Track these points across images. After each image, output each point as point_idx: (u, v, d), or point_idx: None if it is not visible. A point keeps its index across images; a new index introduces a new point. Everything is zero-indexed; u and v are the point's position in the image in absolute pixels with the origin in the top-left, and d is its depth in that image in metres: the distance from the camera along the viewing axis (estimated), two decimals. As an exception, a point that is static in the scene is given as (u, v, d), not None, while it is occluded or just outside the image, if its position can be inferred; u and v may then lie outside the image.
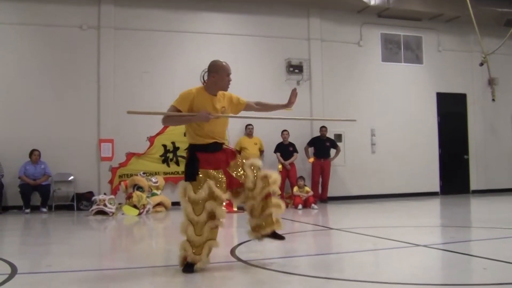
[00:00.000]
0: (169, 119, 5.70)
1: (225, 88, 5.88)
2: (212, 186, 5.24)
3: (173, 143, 13.90)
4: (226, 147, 5.82)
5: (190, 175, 5.38)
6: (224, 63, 5.82)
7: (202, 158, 5.40)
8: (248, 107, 6.23)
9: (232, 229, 9.91)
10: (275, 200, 5.71)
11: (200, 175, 5.33)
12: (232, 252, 6.42)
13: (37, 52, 13.53)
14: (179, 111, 5.58)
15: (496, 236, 7.53)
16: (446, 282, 4.93)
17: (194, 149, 5.50)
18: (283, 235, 5.93)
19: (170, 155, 13.94)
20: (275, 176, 5.77)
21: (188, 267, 5.23)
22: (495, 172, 17.72)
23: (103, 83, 13.75)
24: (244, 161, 5.77)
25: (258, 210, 5.64)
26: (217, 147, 5.61)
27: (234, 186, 5.54)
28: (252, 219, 5.76)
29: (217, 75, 5.75)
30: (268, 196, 5.63)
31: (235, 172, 5.59)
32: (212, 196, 5.23)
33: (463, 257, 5.98)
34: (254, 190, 5.56)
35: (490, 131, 17.83)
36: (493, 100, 16.86)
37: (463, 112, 17.48)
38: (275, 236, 5.86)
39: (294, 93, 6.16)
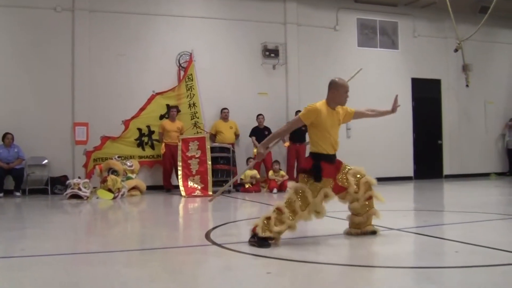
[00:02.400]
0: (273, 136, 6.80)
1: (343, 103, 6.37)
2: (327, 193, 5.92)
3: (148, 126, 13.83)
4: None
5: (317, 177, 5.87)
6: (344, 82, 6.35)
7: (325, 167, 5.93)
8: (357, 114, 6.67)
9: (208, 213, 9.92)
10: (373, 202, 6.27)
11: (321, 182, 5.87)
12: (207, 235, 6.42)
13: (10, 34, 13.32)
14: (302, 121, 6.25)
15: (468, 220, 7.64)
16: (419, 265, 4.99)
17: (319, 158, 5.99)
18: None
19: (145, 139, 13.87)
20: (374, 182, 6.26)
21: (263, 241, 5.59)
22: (468, 157, 17.95)
23: (77, 66, 13.58)
24: (348, 169, 6.25)
25: (362, 210, 6.19)
26: (334, 158, 6.17)
27: (340, 190, 6.14)
28: (355, 217, 6.27)
29: (337, 92, 6.25)
30: (370, 198, 6.20)
31: (340, 180, 6.15)
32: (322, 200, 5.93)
33: (436, 240, 6.05)
34: (358, 193, 6.13)
35: (463, 116, 18.02)
36: (467, 86, 16.97)
37: (437, 97, 17.63)
38: (372, 233, 6.28)
39: (396, 99, 6.69)
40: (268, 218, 5.72)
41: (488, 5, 14.36)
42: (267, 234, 5.61)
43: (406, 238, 6.30)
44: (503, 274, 4.38)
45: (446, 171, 17.76)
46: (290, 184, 6.02)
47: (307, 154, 14.75)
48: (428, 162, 17.35)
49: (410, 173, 17.10)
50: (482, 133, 18.44)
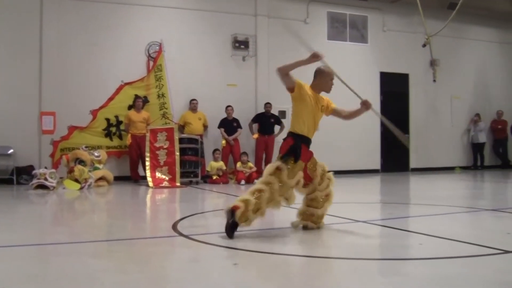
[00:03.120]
0: (287, 66, 6.42)
1: (328, 90, 6.54)
2: (300, 179, 6.01)
3: (116, 117, 13.72)
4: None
5: (297, 157, 6.01)
6: (330, 70, 6.54)
7: (303, 150, 6.11)
8: (335, 111, 6.80)
9: (175, 204, 9.90)
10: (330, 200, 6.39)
11: (297, 164, 5.99)
12: (174, 226, 6.42)
13: (-24, 20, 13.09)
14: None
15: (432, 213, 7.74)
16: (384, 257, 5.06)
17: (300, 140, 6.18)
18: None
19: (113, 129, 13.77)
20: (334, 180, 6.48)
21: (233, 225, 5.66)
22: (434, 151, 18.19)
23: (45, 54, 13.38)
24: (316, 161, 6.39)
25: (319, 203, 6.23)
26: (310, 143, 6.35)
27: (306, 180, 6.16)
28: (307, 208, 6.28)
29: (324, 79, 6.46)
30: (328, 195, 6.33)
31: (310, 169, 6.22)
32: (295, 185, 5.99)
33: (401, 232, 6.14)
34: (320, 185, 6.26)
35: (430, 111, 18.24)
36: (434, 81, 17.25)
37: (405, 92, 17.82)
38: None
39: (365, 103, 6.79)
40: (247, 202, 5.75)
41: (456, 2, 14.56)
42: (243, 223, 5.69)
43: (372, 230, 6.37)
44: (466, 265, 4.46)
45: (413, 164, 17.98)
46: (266, 168, 6.08)
47: (275, 146, 14.85)
48: (395, 156, 17.53)
49: (377, 166, 17.27)
50: (448, 128, 18.70)
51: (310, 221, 6.23)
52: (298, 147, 6.06)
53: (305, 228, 6.22)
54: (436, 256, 4.81)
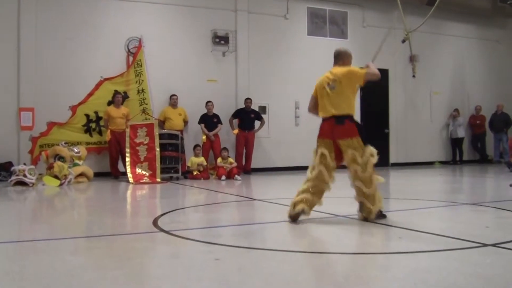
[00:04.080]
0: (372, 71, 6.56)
1: None
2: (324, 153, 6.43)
3: (95, 112, 13.64)
4: None
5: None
6: (349, 50, 6.90)
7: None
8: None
9: (156, 200, 9.87)
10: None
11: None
12: (155, 222, 6.39)
13: (-48, 14, 12.91)
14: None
15: (412, 207, 7.80)
16: (364, 251, 5.08)
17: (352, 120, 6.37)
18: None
19: (93, 125, 13.69)
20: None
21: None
22: (414, 146, 18.31)
23: (24, 49, 13.22)
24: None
25: None
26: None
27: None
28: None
29: (348, 60, 6.74)
30: None
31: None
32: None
33: (380, 227, 6.16)
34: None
35: (410, 106, 18.36)
36: (414, 76, 17.29)
37: (385, 87, 17.89)
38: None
39: None
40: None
41: (435, -3, 14.64)
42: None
43: (351, 224, 6.40)
44: (446, 259, 4.50)
45: (392, 159, 18.08)
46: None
47: (256, 142, 14.86)
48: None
49: (357, 161, 17.32)
50: (427, 123, 18.83)
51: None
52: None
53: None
54: (415, 250, 4.84)
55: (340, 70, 6.49)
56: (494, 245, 4.95)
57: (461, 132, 18.91)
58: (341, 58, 6.67)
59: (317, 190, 6.21)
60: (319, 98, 6.57)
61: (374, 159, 6.28)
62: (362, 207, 6.24)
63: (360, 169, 6.14)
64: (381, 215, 6.33)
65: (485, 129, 19.39)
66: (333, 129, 6.31)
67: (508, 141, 18.81)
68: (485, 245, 4.98)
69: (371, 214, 6.19)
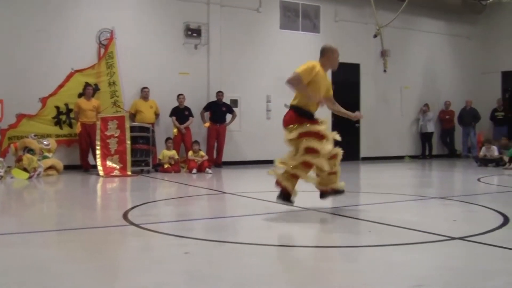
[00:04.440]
0: (299, 85, 6.41)
1: (335, 67, 6.95)
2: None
3: (66, 105, 13.49)
4: None
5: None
6: (336, 47, 6.86)
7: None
8: (329, 99, 7.05)
9: (126, 193, 9.83)
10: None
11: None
12: (125, 215, 6.37)
13: None
14: (301, 78, 6.39)
15: (381, 201, 7.88)
16: (334, 244, 5.12)
17: (302, 113, 6.47)
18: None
19: (63, 117, 13.53)
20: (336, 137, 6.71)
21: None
22: (384, 140, 18.45)
23: (-8, 39, 13.05)
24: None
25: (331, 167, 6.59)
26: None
27: None
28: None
29: (333, 56, 6.74)
30: (334, 156, 6.63)
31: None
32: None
33: (351, 220, 6.22)
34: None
35: (381, 100, 18.48)
36: (385, 71, 17.46)
37: (356, 81, 18.00)
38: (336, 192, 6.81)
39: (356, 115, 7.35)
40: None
41: (406, -7, 14.76)
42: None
43: (323, 218, 6.44)
44: (414, 252, 4.57)
45: (363, 153, 18.21)
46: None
47: (227, 135, 14.85)
48: (345, 145, 17.61)
49: (328, 155, 17.40)
50: (398, 117, 19.00)
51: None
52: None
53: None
54: (385, 243, 4.90)
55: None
56: (461, 238, 5.03)
57: (430, 127, 19.12)
58: (324, 54, 6.81)
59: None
60: (316, 86, 6.52)
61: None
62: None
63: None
64: (287, 200, 6.37)
65: (454, 124, 19.63)
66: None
67: (476, 136, 19.11)
68: (452, 238, 5.06)
69: (277, 176, 6.44)
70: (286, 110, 6.70)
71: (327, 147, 6.18)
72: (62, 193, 9.99)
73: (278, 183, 6.37)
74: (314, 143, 6.13)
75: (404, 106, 19.11)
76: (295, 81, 6.35)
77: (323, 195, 6.80)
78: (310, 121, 6.37)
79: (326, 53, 6.74)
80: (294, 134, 6.29)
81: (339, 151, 6.76)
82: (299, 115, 6.41)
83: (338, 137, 6.56)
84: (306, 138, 6.22)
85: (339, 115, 7.30)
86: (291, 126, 6.40)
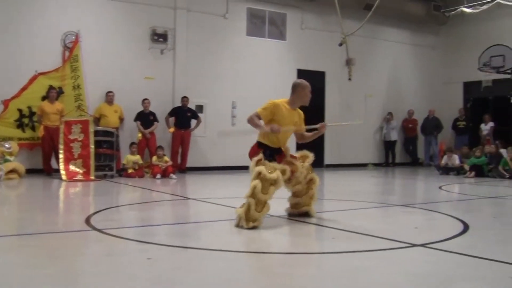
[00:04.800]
0: (252, 122, 6.46)
1: (307, 102, 6.82)
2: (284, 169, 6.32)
3: (29, 107, 13.29)
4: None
5: (269, 156, 6.41)
6: (307, 83, 6.75)
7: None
8: (299, 134, 7.19)
9: (89, 197, 9.73)
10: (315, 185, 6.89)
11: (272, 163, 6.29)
12: (88, 220, 6.31)
13: None
14: (260, 117, 6.46)
15: (345, 208, 7.94)
16: (298, 251, 5.14)
17: (263, 148, 6.49)
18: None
19: (26, 120, 13.33)
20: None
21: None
22: (348, 147, 18.59)
23: (-47, 40, 12.81)
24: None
25: (302, 192, 6.77)
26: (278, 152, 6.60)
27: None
28: (294, 198, 6.85)
29: (303, 92, 6.65)
30: (310, 181, 6.84)
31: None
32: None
33: (315, 227, 6.26)
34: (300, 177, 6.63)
35: (345, 108, 18.62)
36: (349, 79, 17.62)
37: (321, 89, 18.11)
38: (308, 214, 6.83)
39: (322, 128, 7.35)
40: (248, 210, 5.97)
41: (372, 3, 14.94)
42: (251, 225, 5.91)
43: (286, 225, 6.46)
44: (376, 259, 4.61)
45: (327, 160, 18.32)
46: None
47: (192, 140, 14.79)
48: (310, 152, 17.72)
49: (293, 162, 17.45)
50: (361, 125, 19.14)
51: (294, 208, 6.91)
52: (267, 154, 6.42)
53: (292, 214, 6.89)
54: (348, 250, 4.93)
55: (301, 114, 6.91)
56: (422, 245, 5.10)
57: (394, 135, 19.34)
58: (295, 91, 6.71)
59: None
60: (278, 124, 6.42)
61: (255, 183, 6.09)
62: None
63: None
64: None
65: (417, 132, 19.90)
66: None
67: (438, 145, 19.39)
68: (414, 245, 5.12)
69: (238, 219, 6.04)
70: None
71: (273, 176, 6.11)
72: (23, 197, 9.85)
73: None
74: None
75: (368, 114, 19.27)
76: (251, 122, 6.47)
77: (290, 214, 6.91)
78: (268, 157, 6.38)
79: (297, 90, 6.67)
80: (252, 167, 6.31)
81: (316, 178, 6.94)
82: (258, 147, 6.53)
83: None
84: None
85: (312, 138, 7.45)
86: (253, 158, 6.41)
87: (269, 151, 6.42)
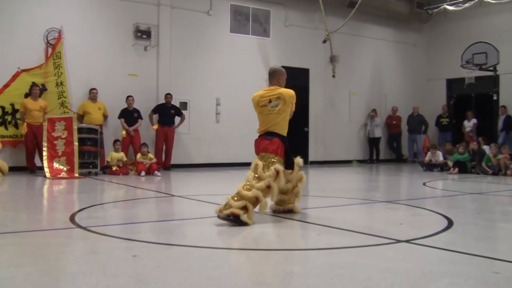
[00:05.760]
0: None
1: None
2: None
3: (12, 105, 13.19)
4: None
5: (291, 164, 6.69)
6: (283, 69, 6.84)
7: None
8: None
9: (73, 195, 9.67)
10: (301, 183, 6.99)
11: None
12: (72, 218, 6.27)
13: None
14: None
15: (329, 205, 7.97)
16: (282, 247, 5.14)
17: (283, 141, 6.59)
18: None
19: (9, 118, 13.24)
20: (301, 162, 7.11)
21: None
22: (332, 144, 18.65)
23: None
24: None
25: (289, 190, 6.79)
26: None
27: None
28: (280, 195, 6.70)
29: (283, 78, 6.75)
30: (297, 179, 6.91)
31: None
32: None
33: (300, 223, 6.27)
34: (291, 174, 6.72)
35: (329, 105, 18.69)
36: (333, 76, 17.68)
37: (305, 86, 18.14)
38: (292, 211, 6.90)
39: None
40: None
41: (356, 0, 15.00)
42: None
43: (271, 221, 6.46)
44: (361, 255, 4.62)
45: (312, 157, 18.35)
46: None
47: (175, 137, 14.74)
48: (294, 149, 17.70)
49: (277, 159, 17.45)
50: (346, 122, 19.23)
51: (279, 205, 6.90)
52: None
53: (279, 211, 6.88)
54: (333, 246, 4.94)
55: (285, 90, 6.62)
56: (407, 241, 5.12)
57: (378, 132, 19.44)
58: (275, 76, 6.69)
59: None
60: (257, 114, 6.66)
61: (274, 183, 6.13)
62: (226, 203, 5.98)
63: (252, 176, 6.16)
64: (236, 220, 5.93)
65: (401, 129, 20.01)
66: (260, 144, 6.52)
67: (422, 141, 19.51)
68: (398, 241, 5.14)
69: (228, 209, 5.87)
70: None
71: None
72: (7, 195, 9.76)
73: None
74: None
75: (352, 111, 19.36)
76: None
77: (275, 211, 6.91)
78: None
79: (279, 75, 6.73)
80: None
81: (303, 176, 7.01)
82: (282, 141, 6.65)
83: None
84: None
85: None
86: (272, 154, 6.48)
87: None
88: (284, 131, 6.63)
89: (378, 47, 20.17)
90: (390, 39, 20.52)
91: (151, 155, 13.56)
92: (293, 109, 6.72)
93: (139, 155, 13.39)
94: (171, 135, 14.75)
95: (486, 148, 14.85)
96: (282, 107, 6.50)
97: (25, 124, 12.85)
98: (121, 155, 13.34)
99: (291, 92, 6.60)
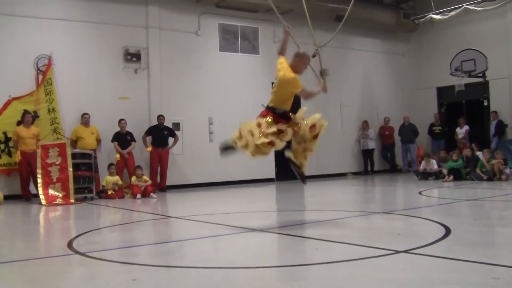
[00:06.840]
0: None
1: (301, 73, 8.02)
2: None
3: (4, 133, 13.15)
4: None
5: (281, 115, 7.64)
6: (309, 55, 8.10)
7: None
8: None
9: (70, 221, 9.64)
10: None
11: None
12: (70, 244, 6.25)
13: None
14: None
15: (327, 218, 7.96)
16: (282, 264, 5.15)
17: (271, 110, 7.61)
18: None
19: (2, 146, 13.20)
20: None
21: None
22: (326, 158, 18.62)
23: None
24: None
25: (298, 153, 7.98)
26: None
27: None
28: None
29: (302, 62, 8.01)
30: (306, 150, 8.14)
31: None
32: None
33: (297, 239, 6.26)
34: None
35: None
36: (325, 91, 17.68)
37: (296, 100, 18.08)
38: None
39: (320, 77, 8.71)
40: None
41: (342, 14, 15.07)
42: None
43: (269, 238, 6.47)
44: (361, 267, 4.63)
45: (306, 172, 18.28)
46: None
47: (170, 159, 14.71)
48: (288, 164, 17.75)
49: (272, 175, 17.50)
50: (338, 135, 19.24)
51: None
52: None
53: None
54: (332, 260, 4.94)
55: (281, 73, 7.85)
56: (406, 251, 5.13)
57: (371, 144, 19.46)
58: (295, 57, 8.01)
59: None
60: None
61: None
62: None
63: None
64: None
65: (394, 139, 20.04)
66: None
67: (415, 151, 19.55)
68: (397, 251, 5.15)
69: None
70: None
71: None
72: (3, 223, 9.72)
73: None
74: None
75: (344, 124, 19.40)
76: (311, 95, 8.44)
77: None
78: None
79: (296, 57, 7.95)
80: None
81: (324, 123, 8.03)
82: (267, 109, 7.75)
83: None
84: None
85: (311, 96, 8.76)
86: None
87: (279, 111, 7.52)
88: (273, 103, 7.85)
89: (367, 58, 20.27)
90: (378, 50, 20.63)
91: (146, 177, 13.53)
92: (295, 91, 7.98)
93: (134, 178, 13.36)
94: (165, 156, 14.74)
95: (479, 154, 14.90)
96: (276, 88, 7.76)
97: (19, 152, 12.81)
98: (116, 178, 13.31)
99: (286, 75, 7.66)
